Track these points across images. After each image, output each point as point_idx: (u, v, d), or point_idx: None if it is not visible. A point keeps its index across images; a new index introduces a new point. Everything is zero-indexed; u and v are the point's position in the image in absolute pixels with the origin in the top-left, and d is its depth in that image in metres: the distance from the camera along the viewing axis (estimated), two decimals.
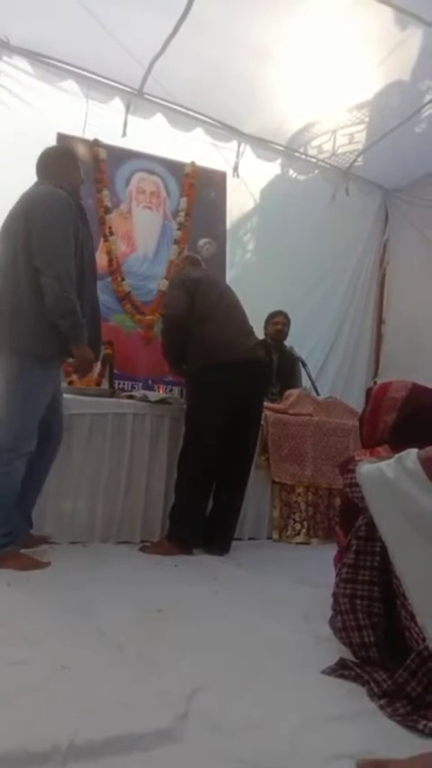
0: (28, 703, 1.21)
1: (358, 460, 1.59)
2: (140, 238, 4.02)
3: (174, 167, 4.16)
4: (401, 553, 1.33)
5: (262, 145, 4.62)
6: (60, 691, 1.29)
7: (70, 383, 3.27)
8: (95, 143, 3.92)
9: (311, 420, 3.50)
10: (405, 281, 5.17)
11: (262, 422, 3.19)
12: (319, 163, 4.89)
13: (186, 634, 1.71)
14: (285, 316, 4.23)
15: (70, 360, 2.47)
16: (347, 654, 1.54)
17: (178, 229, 4.11)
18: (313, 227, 4.81)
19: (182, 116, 4.26)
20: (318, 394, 3.96)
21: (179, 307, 2.91)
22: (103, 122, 3.99)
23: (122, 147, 4.03)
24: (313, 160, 4.86)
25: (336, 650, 1.58)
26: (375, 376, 5.21)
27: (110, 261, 3.84)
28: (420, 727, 1.22)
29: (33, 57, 3.76)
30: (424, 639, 1.28)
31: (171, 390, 3.71)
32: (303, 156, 4.81)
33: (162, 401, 3.10)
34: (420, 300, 4.89)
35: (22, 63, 3.75)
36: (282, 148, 4.70)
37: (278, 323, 4.20)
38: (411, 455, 1.32)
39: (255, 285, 4.20)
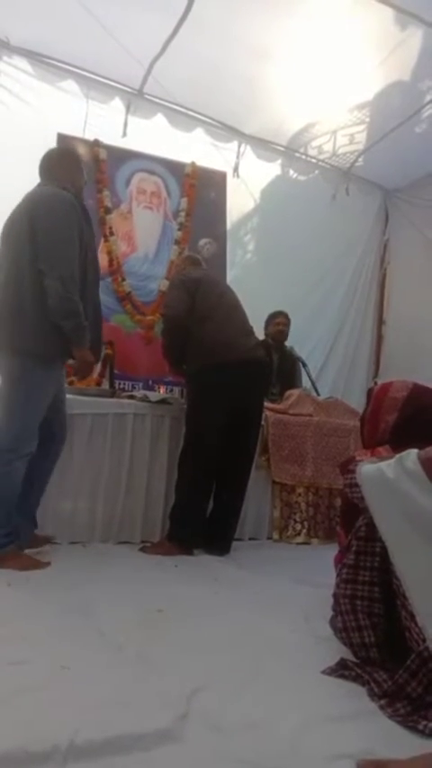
0: (28, 703, 1.21)
1: (359, 460, 1.59)
2: (141, 238, 4.02)
3: (174, 167, 4.16)
4: (401, 553, 1.33)
5: (262, 145, 4.62)
6: (60, 691, 1.29)
7: (71, 383, 3.26)
8: (96, 143, 3.92)
9: (312, 420, 3.50)
10: (405, 282, 5.17)
11: (262, 422, 3.19)
12: (320, 163, 4.89)
13: (186, 634, 1.71)
14: (286, 316, 4.24)
15: (71, 361, 2.47)
16: (348, 654, 1.54)
17: (179, 229, 4.11)
18: (313, 228, 4.81)
19: (182, 116, 4.26)
20: (318, 394, 3.96)
21: (179, 307, 2.91)
22: (104, 122, 3.99)
23: (123, 148, 4.03)
24: (313, 160, 4.86)
25: (336, 650, 1.58)
26: (376, 376, 5.21)
27: (110, 261, 3.84)
28: (420, 727, 1.22)
29: (33, 57, 3.76)
30: (424, 640, 1.28)
31: (171, 390, 3.70)
32: (304, 157, 4.81)
33: (162, 401, 3.10)
34: (421, 301, 4.89)
35: (22, 63, 3.75)
36: (282, 149, 4.70)
37: (279, 323, 4.20)
38: (411, 455, 1.32)
39: (255, 285, 4.21)
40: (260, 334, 3.80)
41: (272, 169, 4.76)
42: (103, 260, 3.75)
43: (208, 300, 2.93)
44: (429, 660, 1.28)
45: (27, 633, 1.60)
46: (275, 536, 3.27)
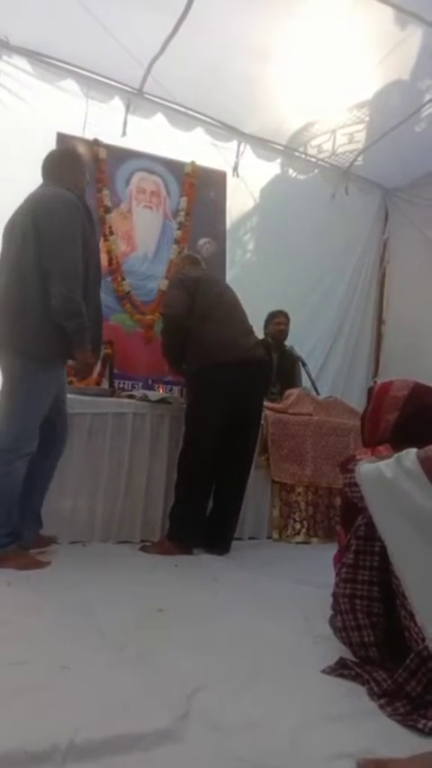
0: (28, 703, 1.21)
1: (359, 459, 1.59)
2: (140, 238, 4.01)
3: (174, 167, 4.16)
4: (401, 553, 1.33)
5: (262, 144, 4.62)
6: (60, 691, 1.29)
7: (70, 383, 3.26)
8: (95, 143, 3.91)
9: (311, 420, 3.50)
10: (405, 281, 5.17)
11: (262, 421, 3.19)
12: (319, 162, 4.89)
13: (186, 634, 1.71)
14: (286, 315, 4.24)
15: (71, 362, 2.47)
16: (347, 653, 1.54)
17: (178, 229, 4.10)
18: (313, 227, 4.80)
19: (182, 116, 4.26)
20: (318, 393, 3.96)
21: (179, 306, 2.91)
22: (103, 122, 3.98)
23: (122, 147, 4.03)
24: (313, 160, 4.86)
25: (336, 650, 1.58)
26: (375, 376, 5.21)
27: (110, 260, 3.84)
28: (420, 726, 1.22)
29: (33, 56, 3.75)
30: (423, 639, 1.28)
31: (171, 390, 3.70)
32: (303, 156, 4.81)
33: (162, 401, 3.10)
34: (420, 300, 4.89)
35: (22, 62, 3.74)
36: (281, 148, 4.70)
37: (279, 323, 4.20)
38: (410, 455, 1.32)
39: (255, 285, 4.20)
40: (259, 333, 3.80)
41: (271, 168, 4.75)
42: (102, 259, 3.74)
43: (207, 300, 2.93)
44: (429, 659, 1.28)
45: (27, 633, 1.60)
46: (275, 535, 3.28)
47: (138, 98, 4.09)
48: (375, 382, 5.12)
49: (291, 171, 4.83)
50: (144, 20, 3.34)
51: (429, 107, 3.99)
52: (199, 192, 4.20)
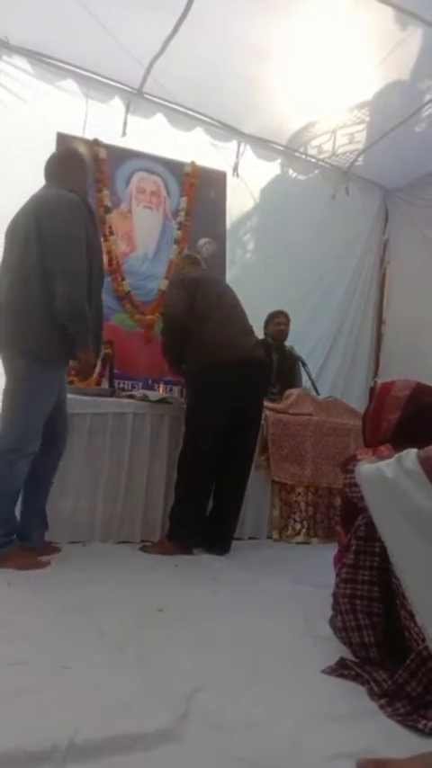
0: (28, 703, 1.21)
1: (360, 459, 1.59)
2: (140, 238, 4.01)
3: (174, 167, 4.16)
4: (401, 553, 1.33)
5: (262, 145, 4.62)
6: (60, 691, 1.29)
7: (70, 382, 3.27)
8: (95, 143, 3.91)
9: (311, 420, 3.50)
10: (405, 281, 5.17)
11: (262, 421, 3.19)
12: (319, 163, 4.89)
13: (186, 634, 1.71)
14: (286, 315, 4.24)
15: (73, 362, 2.48)
16: (347, 653, 1.54)
17: (178, 229, 4.10)
18: (313, 227, 4.80)
19: (182, 116, 4.26)
20: (318, 394, 3.96)
21: (179, 306, 2.91)
22: (103, 122, 3.98)
23: (122, 147, 4.03)
24: (313, 160, 4.86)
25: (336, 650, 1.58)
26: (375, 376, 5.21)
27: (110, 260, 3.83)
28: (420, 726, 1.22)
29: (33, 56, 3.75)
30: (423, 639, 1.28)
31: (171, 390, 3.70)
32: (303, 156, 4.81)
33: (162, 401, 3.10)
34: (420, 300, 4.89)
35: (22, 62, 3.74)
36: (282, 148, 4.70)
37: (280, 323, 4.20)
38: (411, 455, 1.32)
39: (255, 285, 4.20)
40: (259, 333, 3.79)
41: (271, 169, 4.75)
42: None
43: (207, 300, 2.93)
44: (429, 659, 1.28)
45: (27, 633, 1.60)
46: (275, 535, 3.27)
47: (138, 98, 4.09)
48: (376, 382, 5.11)
49: (291, 171, 4.83)
50: (144, 20, 3.34)
51: (429, 107, 3.99)
52: (199, 192, 4.20)
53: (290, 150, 4.72)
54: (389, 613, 1.49)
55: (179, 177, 4.15)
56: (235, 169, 4.52)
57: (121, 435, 2.93)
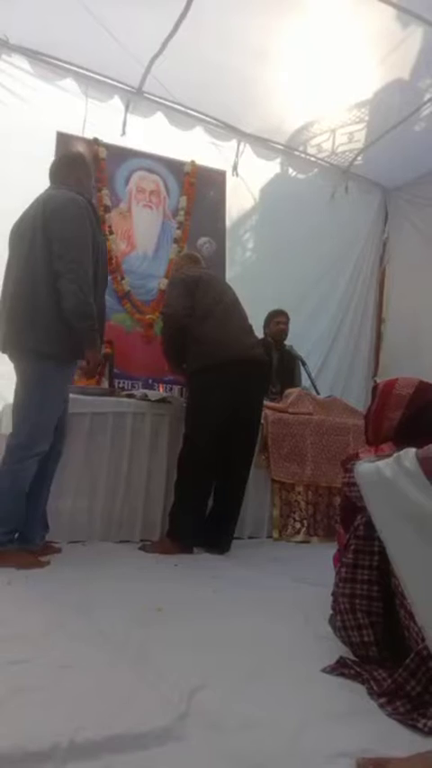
0: (28, 703, 1.21)
1: (362, 458, 1.59)
2: (140, 237, 4.01)
3: (173, 166, 4.15)
4: (400, 552, 1.33)
5: (262, 144, 4.62)
6: (60, 689, 1.29)
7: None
8: (95, 142, 3.91)
9: (311, 419, 3.50)
10: (405, 280, 5.17)
11: (262, 421, 3.19)
12: (319, 162, 4.89)
13: (186, 633, 1.71)
14: (286, 315, 4.24)
15: (80, 362, 2.51)
16: (347, 652, 1.54)
17: (178, 228, 4.10)
18: (313, 226, 4.81)
19: (181, 115, 4.26)
20: (318, 393, 3.96)
21: (178, 306, 2.91)
22: (103, 121, 3.98)
23: (122, 146, 4.03)
24: (313, 159, 4.86)
25: (335, 649, 1.58)
26: (375, 375, 5.22)
27: (109, 260, 3.81)
28: (420, 725, 1.22)
29: (32, 55, 3.76)
30: (423, 639, 1.28)
31: (171, 389, 3.71)
32: (303, 155, 4.81)
33: (162, 400, 3.10)
34: (420, 299, 4.89)
35: (22, 61, 3.74)
36: (281, 147, 4.70)
37: (280, 322, 4.20)
38: (409, 454, 1.32)
39: (254, 284, 4.21)
40: (259, 333, 3.80)
41: (271, 168, 4.76)
42: None
43: (207, 299, 2.93)
44: (428, 659, 1.28)
45: (27, 632, 1.60)
46: (275, 535, 3.28)
47: (137, 97, 4.10)
48: (375, 381, 5.13)
49: (290, 170, 4.83)
50: (144, 19, 3.34)
51: (429, 106, 3.99)
52: (199, 191, 4.20)
53: (289, 149, 4.73)
54: (388, 612, 1.49)
55: (179, 176, 4.15)
56: (235, 168, 4.52)
57: (121, 435, 2.93)
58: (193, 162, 4.20)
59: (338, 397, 4.07)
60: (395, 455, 1.37)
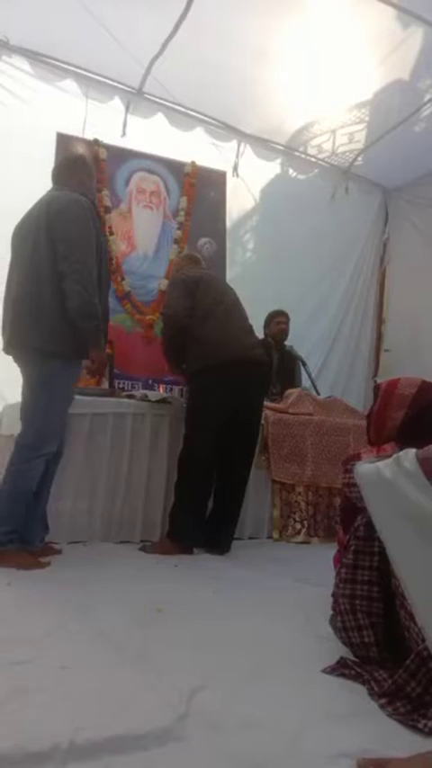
0: (28, 703, 1.21)
1: (364, 458, 1.59)
2: (140, 238, 4.02)
3: (174, 167, 4.16)
4: (400, 554, 1.32)
5: (262, 144, 4.62)
6: (60, 690, 1.28)
7: None
8: (95, 142, 3.91)
9: (312, 419, 3.50)
10: (405, 281, 5.17)
11: (262, 421, 3.19)
12: (319, 162, 4.89)
13: (186, 633, 1.71)
14: (286, 315, 4.24)
15: (85, 362, 2.51)
16: (348, 653, 1.54)
17: (178, 229, 4.11)
18: (313, 227, 4.81)
19: (182, 116, 4.26)
20: (318, 393, 3.96)
21: (178, 306, 2.91)
22: (103, 122, 3.99)
23: (122, 147, 4.04)
24: (313, 159, 4.87)
25: (336, 649, 1.58)
26: (375, 375, 5.22)
27: (109, 260, 3.84)
28: (421, 726, 1.21)
29: (33, 56, 3.76)
30: (423, 640, 1.28)
31: (171, 390, 3.71)
32: (303, 156, 4.82)
33: (162, 401, 3.10)
34: (420, 299, 4.89)
35: (22, 62, 3.75)
36: (282, 148, 4.71)
37: (281, 322, 4.21)
38: (409, 455, 1.32)
39: (255, 284, 4.21)
40: (259, 333, 3.80)
41: (271, 168, 4.76)
42: None
43: (208, 299, 2.93)
44: (429, 660, 1.28)
45: (27, 633, 1.60)
46: (275, 535, 3.27)
47: (137, 98, 4.10)
48: (376, 382, 5.13)
49: (291, 171, 4.84)
50: (144, 20, 3.34)
51: (429, 107, 3.99)
52: (199, 191, 4.20)
53: (290, 150, 4.73)
54: (389, 613, 1.49)
55: (179, 177, 4.16)
56: (235, 169, 4.53)
57: (121, 435, 2.93)
58: (193, 162, 4.20)
59: (339, 397, 4.07)
60: (395, 456, 1.36)
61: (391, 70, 3.71)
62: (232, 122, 4.41)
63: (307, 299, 4.88)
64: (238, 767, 1.07)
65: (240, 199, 4.60)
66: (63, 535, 2.73)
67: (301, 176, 4.88)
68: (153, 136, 4.16)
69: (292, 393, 3.68)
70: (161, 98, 4.15)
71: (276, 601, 2.09)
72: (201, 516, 2.85)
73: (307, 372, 4.12)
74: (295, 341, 4.30)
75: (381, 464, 1.36)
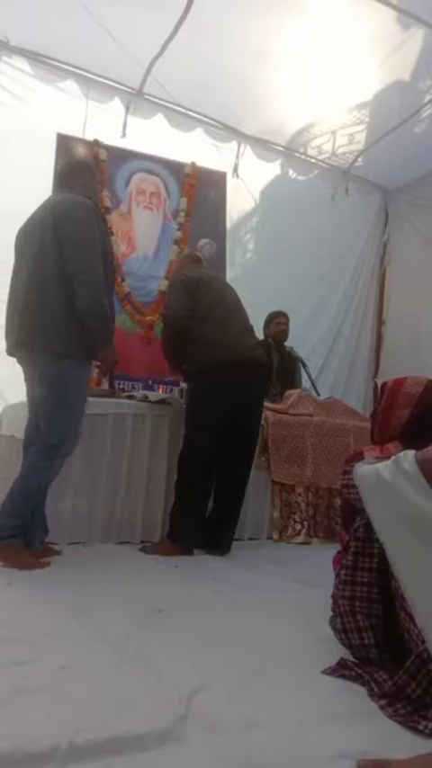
0: (28, 704, 1.21)
1: (367, 456, 1.58)
2: (140, 239, 4.02)
3: (174, 168, 4.16)
4: (399, 555, 1.32)
5: (262, 145, 4.62)
6: (60, 690, 1.28)
7: None
8: (95, 143, 3.92)
9: (312, 420, 3.50)
10: (405, 281, 5.18)
11: (262, 422, 3.19)
12: (319, 163, 4.90)
13: (186, 634, 1.71)
14: (286, 316, 4.24)
15: (96, 362, 2.55)
16: (348, 654, 1.54)
17: (178, 230, 4.11)
18: (313, 228, 4.81)
19: (182, 116, 4.27)
20: (318, 394, 3.96)
21: (178, 307, 2.91)
22: (103, 123, 3.99)
23: (122, 148, 4.04)
24: (313, 160, 4.87)
25: (336, 650, 1.58)
26: (376, 376, 5.22)
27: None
28: (421, 727, 1.21)
29: (33, 57, 3.77)
30: (423, 641, 1.28)
31: (171, 390, 3.71)
32: (303, 157, 4.82)
33: (162, 401, 3.10)
34: (420, 300, 4.89)
35: (22, 63, 3.75)
36: (282, 149, 4.71)
37: (281, 323, 4.21)
38: (408, 456, 1.31)
39: (255, 285, 4.21)
40: (259, 334, 3.80)
41: (271, 169, 4.76)
42: None
43: (208, 299, 2.93)
44: (429, 661, 1.28)
45: (27, 633, 1.60)
46: (275, 536, 3.27)
47: (138, 99, 4.10)
48: (376, 383, 5.14)
49: (291, 172, 4.84)
50: (144, 20, 3.35)
51: (429, 108, 3.99)
52: (199, 192, 4.20)
53: (290, 151, 4.73)
54: (388, 614, 1.49)
55: (179, 178, 4.16)
56: (235, 170, 4.53)
57: (121, 436, 2.93)
58: (193, 163, 4.21)
59: (339, 398, 4.07)
60: (394, 457, 1.36)
61: (391, 71, 3.71)
62: (232, 123, 4.42)
63: (307, 300, 4.89)
64: (237, 767, 1.07)
65: (240, 200, 4.60)
66: (63, 536, 2.73)
67: (301, 177, 4.88)
68: (153, 137, 4.17)
69: (292, 394, 3.68)
70: (161, 99, 4.15)
71: (276, 602, 2.09)
72: (201, 516, 2.85)
73: (307, 373, 4.12)
74: (295, 342, 4.30)
75: (380, 465, 1.36)
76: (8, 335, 2.52)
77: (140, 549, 2.78)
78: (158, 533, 2.95)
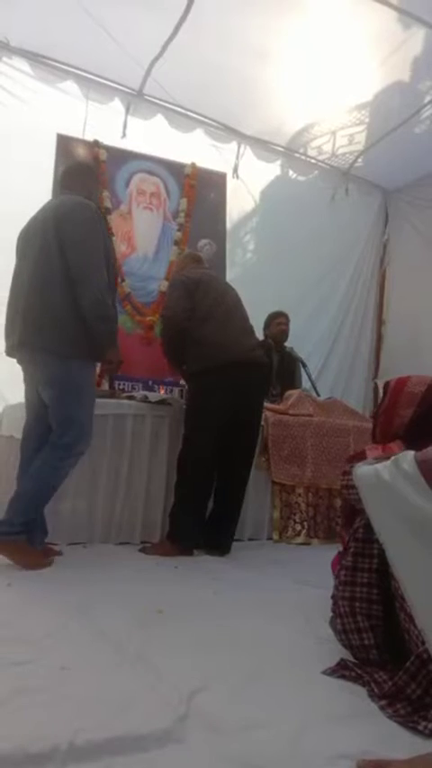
0: (28, 704, 1.21)
1: (369, 455, 1.58)
2: (140, 239, 4.02)
3: (174, 168, 4.16)
4: (399, 556, 1.32)
5: (262, 146, 4.63)
6: (60, 691, 1.29)
7: None
8: (95, 144, 3.92)
9: (311, 420, 3.50)
10: (405, 282, 5.18)
11: (262, 422, 3.19)
12: (319, 164, 4.90)
13: (186, 635, 1.71)
14: (286, 316, 4.24)
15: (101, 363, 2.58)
16: (348, 655, 1.54)
17: (178, 230, 4.11)
18: (313, 228, 4.81)
19: (182, 117, 4.27)
20: (318, 395, 3.96)
21: (178, 308, 2.91)
22: (103, 123, 4.00)
23: (122, 148, 4.04)
24: (313, 161, 4.87)
25: (336, 651, 1.58)
26: (376, 377, 5.22)
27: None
28: (421, 728, 1.21)
29: (33, 58, 3.77)
30: (423, 642, 1.28)
31: (171, 391, 3.70)
32: (303, 157, 4.82)
33: (162, 402, 3.10)
34: (420, 301, 4.89)
35: (22, 64, 3.76)
36: (282, 149, 4.71)
37: (281, 323, 4.21)
38: (408, 457, 1.31)
39: (255, 286, 4.21)
40: (259, 334, 3.80)
41: (271, 170, 4.77)
42: None
43: (208, 300, 2.93)
44: (429, 662, 1.28)
45: (27, 633, 1.60)
46: (275, 537, 3.27)
47: (138, 99, 4.10)
48: (376, 383, 5.14)
49: (291, 172, 4.84)
50: (144, 21, 3.35)
51: (429, 108, 3.99)
52: (199, 193, 4.21)
53: (290, 151, 4.74)
54: (388, 615, 1.49)
55: (179, 178, 4.16)
56: (235, 170, 4.53)
57: (121, 437, 2.93)
58: (193, 164, 4.21)
59: (339, 398, 4.07)
60: (393, 458, 1.36)
61: (391, 72, 3.71)
62: (232, 124, 4.42)
63: (307, 301, 4.89)
64: None
65: (240, 200, 4.60)
66: (63, 536, 2.73)
67: (301, 178, 4.89)
68: (153, 137, 4.17)
69: (292, 394, 3.68)
70: (161, 99, 4.15)
71: (276, 602, 2.09)
72: (201, 517, 2.85)
73: (307, 374, 4.12)
74: (295, 342, 4.30)
75: (379, 466, 1.36)
76: (8, 336, 2.53)
77: (140, 550, 2.78)
78: (158, 534, 2.95)
